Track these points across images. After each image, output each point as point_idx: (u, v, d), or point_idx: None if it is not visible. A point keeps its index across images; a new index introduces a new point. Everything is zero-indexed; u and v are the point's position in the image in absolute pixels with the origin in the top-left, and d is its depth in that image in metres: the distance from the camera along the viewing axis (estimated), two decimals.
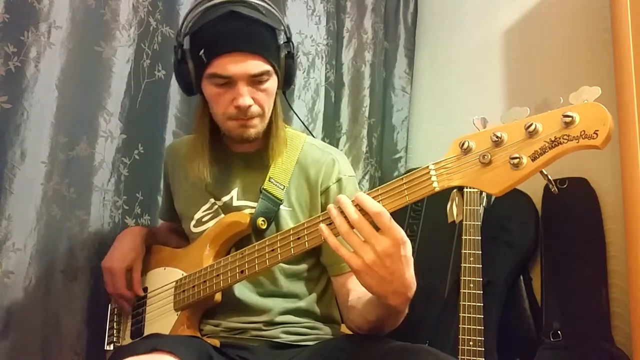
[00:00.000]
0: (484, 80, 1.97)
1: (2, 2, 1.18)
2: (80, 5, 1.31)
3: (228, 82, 1.02)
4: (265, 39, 1.04)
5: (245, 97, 1.02)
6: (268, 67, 1.04)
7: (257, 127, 1.08)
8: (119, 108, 1.38)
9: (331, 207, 0.83)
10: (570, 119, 0.68)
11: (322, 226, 0.84)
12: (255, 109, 1.05)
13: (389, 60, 2.17)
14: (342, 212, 0.82)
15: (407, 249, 0.80)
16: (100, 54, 1.35)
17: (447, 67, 2.13)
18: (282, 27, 1.09)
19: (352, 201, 0.82)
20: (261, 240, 0.97)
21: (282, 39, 1.07)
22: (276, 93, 1.10)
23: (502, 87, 1.91)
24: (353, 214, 0.80)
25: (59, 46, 1.27)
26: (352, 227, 0.81)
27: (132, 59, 1.41)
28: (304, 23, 1.85)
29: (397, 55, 2.20)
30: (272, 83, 1.06)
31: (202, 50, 1.02)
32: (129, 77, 1.40)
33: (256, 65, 1.02)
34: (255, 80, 1.03)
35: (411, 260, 0.82)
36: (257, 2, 1.06)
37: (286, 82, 1.12)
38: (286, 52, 1.08)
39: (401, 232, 0.79)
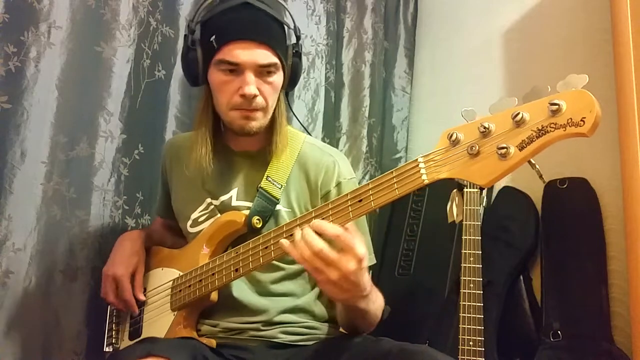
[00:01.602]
0: (483, 81, 1.97)
1: (2, 2, 1.19)
2: (80, 5, 1.32)
3: (236, 69, 1.03)
4: (276, 33, 1.06)
5: (252, 85, 1.03)
6: (276, 60, 1.05)
7: (259, 120, 1.07)
8: (119, 108, 1.38)
9: (284, 242, 0.87)
10: (557, 107, 0.67)
11: (283, 241, 0.87)
12: (259, 100, 1.05)
13: (389, 60, 2.17)
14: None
15: (365, 261, 0.84)
16: (100, 54, 1.35)
17: (447, 67, 2.13)
18: (292, 26, 1.10)
19: (312, 228, 0.84)
20: (255, 238, 0.97)
21: (291, 37, 1.08)
22: (280, 91, 1.11)
23: (502, 87, 1.91)
24: (313, 243, 0.82)
25: (59, 46, 1.27)
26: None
27: (132, 59, 1.41)
28: (304, 23, 1.85)
29: (397, 55, 2.20)
30: (278, 78, 1.07)
31: (213, 37, 1.03)
32: (129, 77, 1.41)
33: (265, 55, 1.03)
34: (263, 71, 1.04)
35: (366, 267, 0.87)
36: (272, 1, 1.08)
37: (291, 82, 1.13)
38: (294, 51, 1.09)
39: (362, 249, 0.82)
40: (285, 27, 1.08)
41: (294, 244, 0.85)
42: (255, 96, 1.04)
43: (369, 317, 1.00)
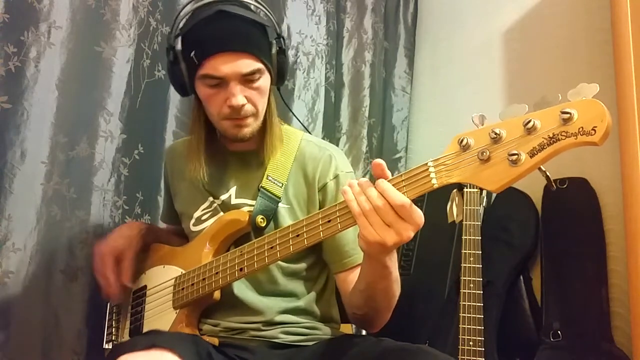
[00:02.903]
0: (484, 80, 1.97)
1: (2, 2, 1.19)
2: (80, 5, 1.32)
3: (220, 82, 1.03)
4: (255, 37, 1.05)
5: (238, 96, 1.03)
6: (259, 65, 1.04)
7: (251, 126, 1.08)
8: (119, 108, 1.38)
9: (350, 186, 0.82)
10: (568, 115, 0.67)
11: (347, 188, 0.82)
12: (248, 107, 1.05)
13: (389, 60, 2.18)
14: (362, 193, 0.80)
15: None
16: (100, 54, 1.35)
17: (447, 67, 2.13)
18: (272, 24, 1.09)
19: (375, 186, 0.80)
20: (260, 238, 0.97)
21: (272, 35, 1.07)
22: (270, 90, 1.11)
23: (502, 87, 1.91)
24: (377, 199, 0.79)
25: (59, 46, 1.27)
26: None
27: (132, 59, 1.41)
28: (304, 23, 1.86)
29: (397, 55, 2.20)
30: (264, 81, 1.07)
31: (193, 52, 1.02)
32: (129, 77, 1.41)
33: (247, 64, 1.02)
34: (248, 79, 1.04)
35: None
36: (247, 2, 1.06)
37: (280, 79, 1.12)
38: (277, 49, 1.08)
39: (421, 217, 0.79)
40: (266, 27, 1.06)
41: (355, 194, 0.81)
42: (243, 105, 1.04)
43: (391, 283, 0.95)
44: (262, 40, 1.06)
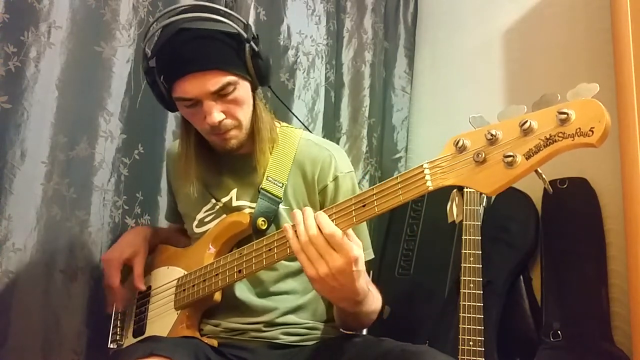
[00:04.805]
0: (484, 80, 1.97)
1: (2, 2, 1.19)
2: (80, 5, 1.32)
3: (194, 102, 1.01)
4: (220, 51, 1.00)
5: (213, 114, 1.00)
6: (229, 79, 1.00)
7: (237, 137, 1.06)
8: (119, 108, 1.38)
9: (297, 212, 0.87)
10: (565, 116, 0.66)
11: (288, 226, 0.87)
12: (228, 122, 1.03)
13: (389, 60, 2.17)
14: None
15: (360, 264, 0.84)
16: (100, 54, 1.35)
17: (447, 67, 2.13)
18: (240, 29, 1.01)
19: (315, 219, 0.84)
20: (259, 240, 0.97)
21: (242, 41, 1.01)
22: (254, 95, 1.08)
23: (502, 87, 1.91)
24: (312, 228, 0.83)
25: (59, 46, 1.27)
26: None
27: (132, 59, 1.41)
28: (304, 23, 1.85)
29: (397, 55, 2.20)
30: (240, 91, 1.03)
31: (162, 76, 1.02)
32: (129, 77, 1.40)
33: (215, 81, 0.99)
34: (220, 94, 1.01)
35: (363, 271, 0.87)
36: (208, 15, 1.00)
37: (262, 81, 1.07)
38: (251, 53, 1.02)
39: (354, 250, 0.83)
40: (233, 35, 1.00)
41: (296, 227, 0.85)
42: (220, 122, 1.01)
43: (360, 319, 1.01)
44: (228, 52, 1.00)
